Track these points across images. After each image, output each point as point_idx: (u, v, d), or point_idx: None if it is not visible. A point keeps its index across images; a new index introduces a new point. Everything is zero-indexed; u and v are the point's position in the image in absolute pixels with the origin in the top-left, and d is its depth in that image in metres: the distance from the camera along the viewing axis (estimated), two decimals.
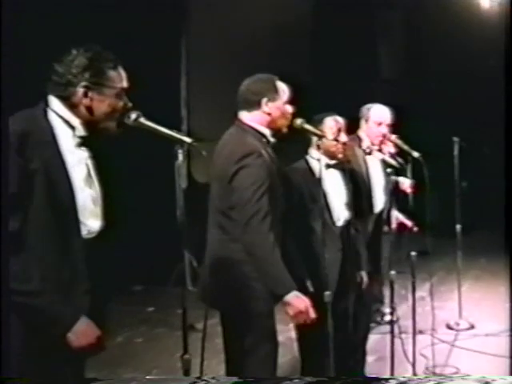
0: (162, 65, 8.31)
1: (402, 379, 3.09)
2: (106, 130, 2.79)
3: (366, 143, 5.16)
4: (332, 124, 4.49)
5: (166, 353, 6.01)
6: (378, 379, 4.20)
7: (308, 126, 3.93)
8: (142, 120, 2.79)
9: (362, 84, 10.50)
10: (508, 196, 5.68)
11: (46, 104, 2.74)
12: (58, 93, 2.73)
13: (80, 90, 2.70)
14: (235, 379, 3.53)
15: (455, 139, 6.95)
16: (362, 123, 5.28)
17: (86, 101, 2.71)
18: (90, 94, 2.71)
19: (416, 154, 5.14)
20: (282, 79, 3.83)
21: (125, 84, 2.80)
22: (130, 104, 2.80)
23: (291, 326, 4.48)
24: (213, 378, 3.75)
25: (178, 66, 8.81)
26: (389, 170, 4.74)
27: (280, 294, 3.54)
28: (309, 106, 4.14)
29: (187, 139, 2.79)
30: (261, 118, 3.75)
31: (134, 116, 2.77)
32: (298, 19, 11.35)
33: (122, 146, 3.49)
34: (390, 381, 3.22)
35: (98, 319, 2.76)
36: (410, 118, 6.50)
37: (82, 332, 2.62)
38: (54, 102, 2.73)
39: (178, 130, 2.88)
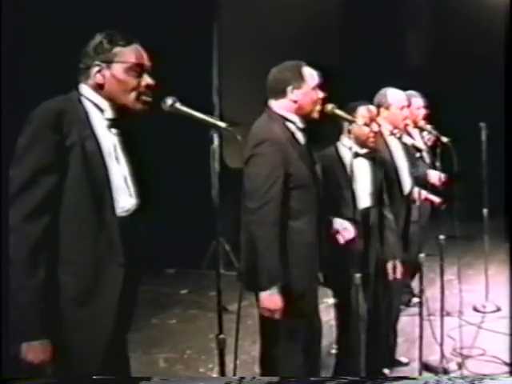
0: (195, 53, 8.38)
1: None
2: (127, 108, 2.81)
3: (385, 128, 5.05)
4: (364, 112, 4.48)
5: (199, 334, 6.10)
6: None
7: (339, 112, 3.91)
8: (178, 105, 2.77)
9: (390, 70, 10.50)
10: None
11: (78, 91, 2.82)
12: (83, 79, 2.82)
13: (94, 70, 2.78)
14: (275, 379, 3.67)
15: (482, 125, 6.96)
16: (382, 111, 5.07)
17: (99, 79, 2.78)
18: (102, 71, 2.78)
19: (445, 139, 5.17)
20: (312, 66, 3.82)
21: (139, 60, 2.83)
22: (150, 81, 2.82)
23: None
24: (253, 378, 3.85)
25: (210, 54, 8.86)
26: (418, 154, 4.76)
27: (260, 288, 3.57)
28: (339, 91, 4.17)
29: (222, 124, 2.77)
30: (288, 105, 3.74)
31: (170, 101, 2.76)
32: (329, 6, 11.39)
33: (155, 129, 3.50)
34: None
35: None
36: (437, 104, 6.47)
37: (35, 350, 2.58)
38: (84, 88, 2.82)
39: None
